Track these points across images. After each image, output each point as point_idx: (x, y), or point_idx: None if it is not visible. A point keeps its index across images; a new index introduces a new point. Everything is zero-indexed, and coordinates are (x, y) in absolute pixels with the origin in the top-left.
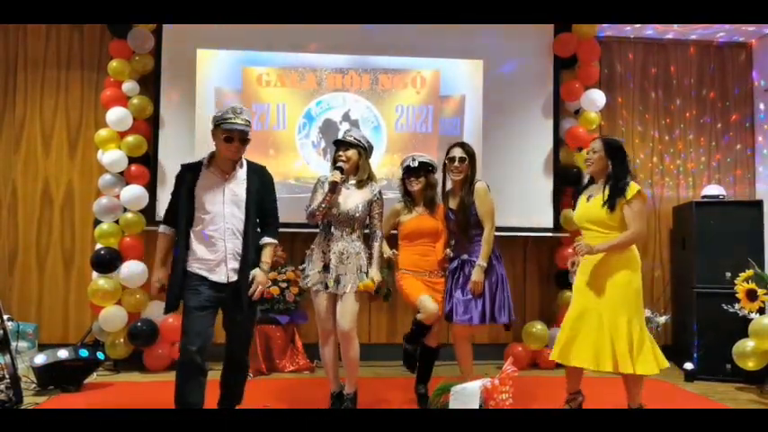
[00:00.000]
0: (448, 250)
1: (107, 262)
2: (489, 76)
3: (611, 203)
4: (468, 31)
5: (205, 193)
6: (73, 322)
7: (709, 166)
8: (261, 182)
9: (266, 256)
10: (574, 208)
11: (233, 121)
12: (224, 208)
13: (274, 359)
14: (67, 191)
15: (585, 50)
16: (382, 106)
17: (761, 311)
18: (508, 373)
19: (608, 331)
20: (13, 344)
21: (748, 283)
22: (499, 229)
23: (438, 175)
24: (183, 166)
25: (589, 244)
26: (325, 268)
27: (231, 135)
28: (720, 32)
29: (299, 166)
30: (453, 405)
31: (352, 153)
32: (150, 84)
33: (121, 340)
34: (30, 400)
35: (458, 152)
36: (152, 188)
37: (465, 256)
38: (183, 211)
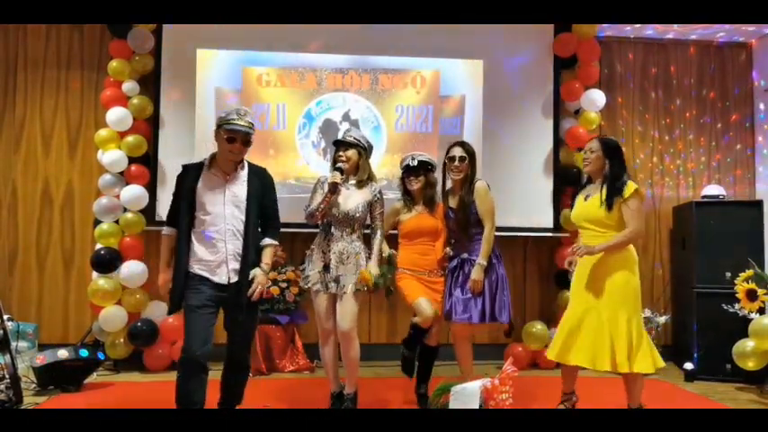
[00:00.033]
0: (448, 249)
1: (107, 262)
2: (489, 76)
3: (608, 202)
4: (468, 31)
5: (206, 193)
6: (73, 322)
7: (709, 166)
8: (261, 183)
9: (267, 256)
10: (572, 208)
11: (236, 122)
12: (224, 209)
13: (274, 359)
14: (67, 191)
15: (585, 50)
16: (382, 106)
17: (761, 311)
18: (508, 373)
19: (608, 330)
20: (13, 344)
21: (748, 283)
22: (499, 228)
23: (438, 175)
24: (184, 166)
25: (588, 245)
26: (326, 268)
27: (234, 136)
28: (720, 32)
29: (299, 166)
30: (453, 405)
31: (352, 153)
32: (150, 84)
33: (121, 340)
34: (30, 400)
35: (458, 151)
36: (152, 188)
37: (465, 255)
38: (185, 212)
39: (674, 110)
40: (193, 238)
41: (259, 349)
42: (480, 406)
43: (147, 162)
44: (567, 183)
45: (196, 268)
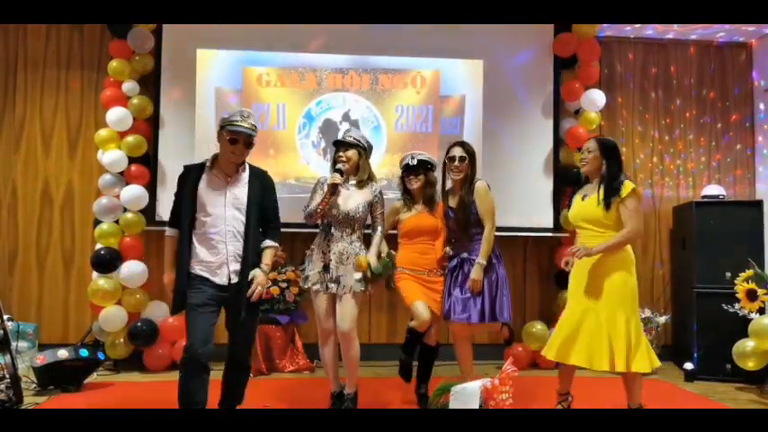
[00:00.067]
0: (447, 248)
1: (107, 262)
2: (489, 76)
3: (606, 202)
4: (468, 31)
5: (207, 195)
6: (73, 322)
7: (709, 166)
8: (262, 186)
9: (267, 258)
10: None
11: (240, 123)
12: (225, 210)
13: (274, 359)
14: (67, 191)
15: (585, 50)
16: (382, 106)
17: (761, 311)
18: (508, 373)
19: (606, 331)
20: (14, 344)
21: (748, 283)
22: (499, 228)
23: (437, 174)
24: (185, 167)
25: (587, 246)
26: (325, 269)
27: (236, 137)
28: (720, 32)
29: (300, 166)
30: (453, 405)
31: (352, 153)
32: (150, 84)
33: (121, 340)
34: (30, 400)
35: (458, 151)
36: (152, 188)
37: (465, 255)
38: (186, 213)
39: (674, 110)
40: (195, 239)
41: (259, 349)
42: (480, 406)
43: (147, 162)
44: (567, 183)
45: (197, 269)
